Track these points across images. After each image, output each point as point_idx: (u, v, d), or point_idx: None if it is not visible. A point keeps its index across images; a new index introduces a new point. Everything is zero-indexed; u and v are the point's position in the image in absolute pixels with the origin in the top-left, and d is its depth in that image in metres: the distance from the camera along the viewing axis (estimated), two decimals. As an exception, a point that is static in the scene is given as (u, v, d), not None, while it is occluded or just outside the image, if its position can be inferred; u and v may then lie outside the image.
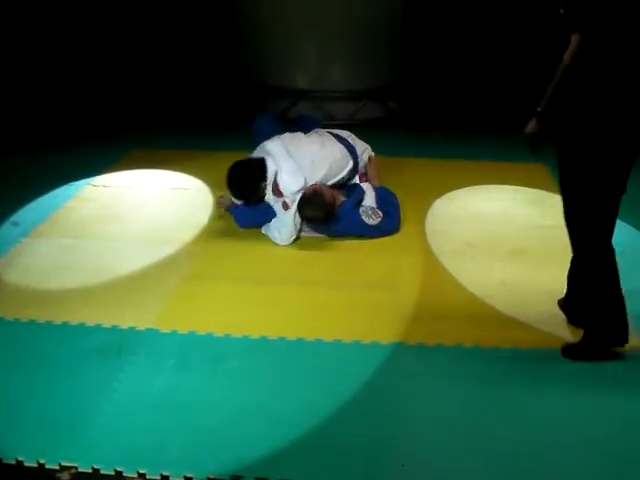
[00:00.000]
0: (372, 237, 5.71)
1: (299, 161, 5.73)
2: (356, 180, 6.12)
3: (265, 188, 5.75)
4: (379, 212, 5.78)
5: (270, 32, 8.80)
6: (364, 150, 6.22)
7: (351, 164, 6.02)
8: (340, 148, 5.98)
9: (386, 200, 5.96)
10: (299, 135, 6.13)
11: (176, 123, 8.84)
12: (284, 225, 5.62)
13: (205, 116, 8.98)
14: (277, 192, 5.70)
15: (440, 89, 8.98)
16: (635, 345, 4.19)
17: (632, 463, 3.44)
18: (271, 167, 5.73)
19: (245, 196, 5.83)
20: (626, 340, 4.12)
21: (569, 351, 4.22)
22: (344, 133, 6.28)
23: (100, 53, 9.11)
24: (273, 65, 8.95)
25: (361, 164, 6.15)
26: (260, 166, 5.77)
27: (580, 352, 4.20)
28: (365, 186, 6.04)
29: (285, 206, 5.64)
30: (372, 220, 5.72)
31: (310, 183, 5.70)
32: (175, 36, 9.37)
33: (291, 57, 8.90)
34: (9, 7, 8.20)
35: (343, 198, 5.84)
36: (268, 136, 6.07)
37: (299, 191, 5.65)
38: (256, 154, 5.98)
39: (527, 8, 8.45)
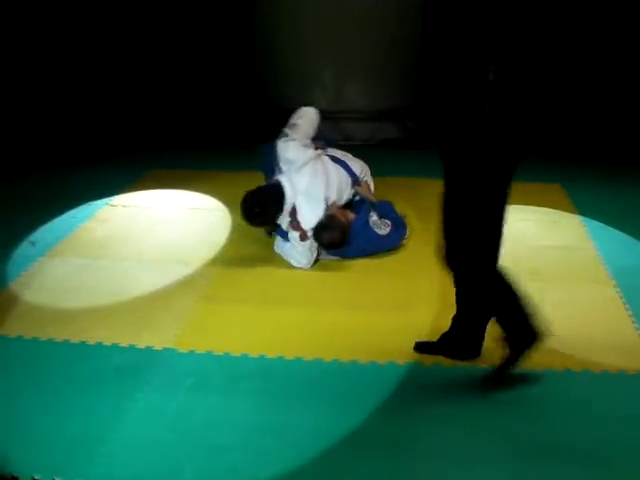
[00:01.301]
0: (386, 249, 5.75)
1: (325, 192, 5.66)
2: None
3: (278, 218, 5.68)
4: (386, 221, 5.82)
5: (287, 53, 8.83)
6: (362, 170, 6.14)
7: (350, 185, 5.97)
8: (342, 173, 5.91)
9: (384, 211, 5.97)
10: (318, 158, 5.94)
11: (194, 144, 8.88)
12: (302, 255, 5.60)
13: (223, 137, 9.02)
14: (297, 227, 5.60)
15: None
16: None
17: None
18: (289, 195, 5.61)
19: (259, 225, 5.80)
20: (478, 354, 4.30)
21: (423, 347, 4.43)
22: (338, 153, 6.16)
23: (119, 74, 9.17)
24: (290, 86, 8.96)
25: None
26: (277, 197, 5.62)
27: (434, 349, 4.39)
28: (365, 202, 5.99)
29: (303, 237, 5.60)
30: (383, 230, 5.74)
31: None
32: (193, 57, 9.43)
33: (309, 78, 8.91)
34: (29, 24, 8.28)
35: (352, 215, 5.83)
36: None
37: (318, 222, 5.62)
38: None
39: (540, 26, 8.45)
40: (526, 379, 4.17)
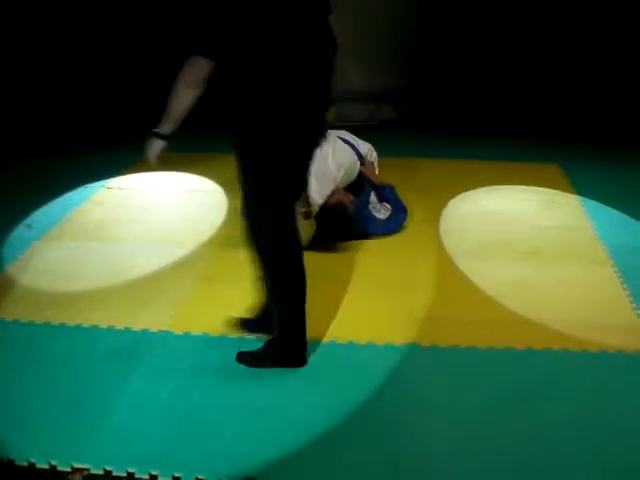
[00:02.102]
0: (385, 233, 5.71)
1: (334, 172, 5.58)
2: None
3: None
4: (387, 205, 5.81)
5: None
6: (368, 150, 6.13)
7: (358, 166, 5.98)
8: (351, 152, 5.91)
9: (387, 195, 5.95)
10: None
11: (191, 126, 8.82)
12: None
13: (220, 118, 8.97)
14: (304, 204, 5.54)
15: (455, 91, 8.96)
16: None
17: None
18: None
19: None
20: (304, 362, 4.14)
21: (244, 358, 4.20)
22: (342, 133, 6.11)
23: (116, 56, 9.13)
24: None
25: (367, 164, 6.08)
26: None
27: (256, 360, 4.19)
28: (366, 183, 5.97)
29: (308, 215, 5.54)
30: (382, 214, 5.72)
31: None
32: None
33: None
34: (25, 11, 8.23)
35: (352, 197, 5.79)
36: None
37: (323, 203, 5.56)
38: None
39: (542, 10, 8.42)
40: (524, 360, 4.17)
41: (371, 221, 5.69)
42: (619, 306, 4.73)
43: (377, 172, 6.19)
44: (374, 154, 6.20)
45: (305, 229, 5.49)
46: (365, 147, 6.10)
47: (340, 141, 5.88)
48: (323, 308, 4.71)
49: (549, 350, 4.24)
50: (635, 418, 3.71)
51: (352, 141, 6.03)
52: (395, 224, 5.78)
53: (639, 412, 3.76)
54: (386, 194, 5.97)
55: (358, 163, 5.91)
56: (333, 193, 5.51)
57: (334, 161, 5.58)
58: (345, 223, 5.56)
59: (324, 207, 5.50)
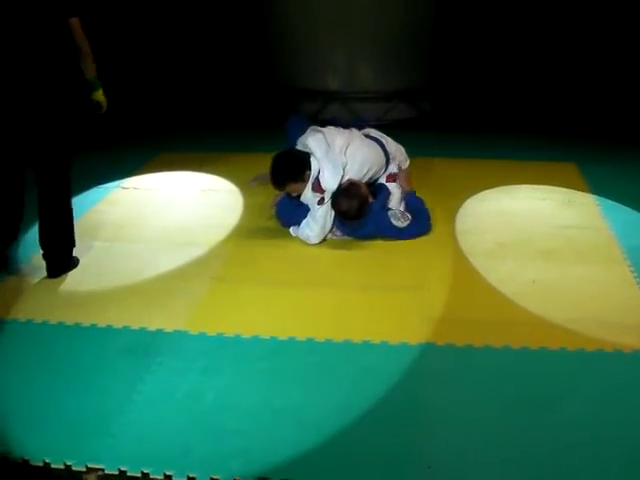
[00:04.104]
0: (400, 239, 5.68)
1: (342, 159, 5.67)
2: (382, 180, 6.04)
3: (307, 179, 5.69)
4: (408, 215, 5.73)
5: (299, 34, 8.82)
6: (396, 149, 6.16)
7: (384, 168, 6.01)
8: (379, 152, 5.95)
9: (415, 206, 5.90)
10: (344, 132, 5.99)
11: (205, 126, 8.87)
12: (315, 221, 5.58)
13: (234, 119, 9.00)
14: (318, 189, 5.64)
15: (472, 90, 8.95)
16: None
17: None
18: (314, 165, 5.68)
19: (287, 179, 5.76)
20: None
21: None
22: (372, 131, 6.22)
23: (131, 58, 9.15)
24: (303, 67, 8.96)
25: (392, 166, 6.08)
26: (306, 157, 5.73)
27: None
28: (392, 186, 5.96)
29: (322, 201, 5.61)
30: (401, 223, 5.68)
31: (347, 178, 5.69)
32: (204, 39, 9.40)
33: (321, 59, 8.90)
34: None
35: (371, 199, 5.80)
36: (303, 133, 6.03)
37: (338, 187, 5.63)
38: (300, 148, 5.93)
39: (556, 10, 8.41)
40: (539, 359, 4.15)
41: (386, 226, 5.66)
42: (635, 305, 4.70)
43: (408, 178, 6.24)
44: (403, 155, 6.25)
45: (318, 219, 5.53)
46: (393, 146, 6.14)
47: (358, 136, 5.98)
48: (337, 308, 4.72)
49: (564, 350, 4.21)
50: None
51: (380, 138, 6.09)
52: (412, 233, 5.71)
53: (656, 412, 3.75)
54: (412, 202, 5.95)
55: (383, 160, 5.94)
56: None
57: (345, 153, 5.70)
58: (358, 204, 5.56)
59: (338, 189, 5.59)
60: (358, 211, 5.56)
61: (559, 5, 8.50)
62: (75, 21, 4.92)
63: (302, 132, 6.02)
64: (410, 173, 6.33)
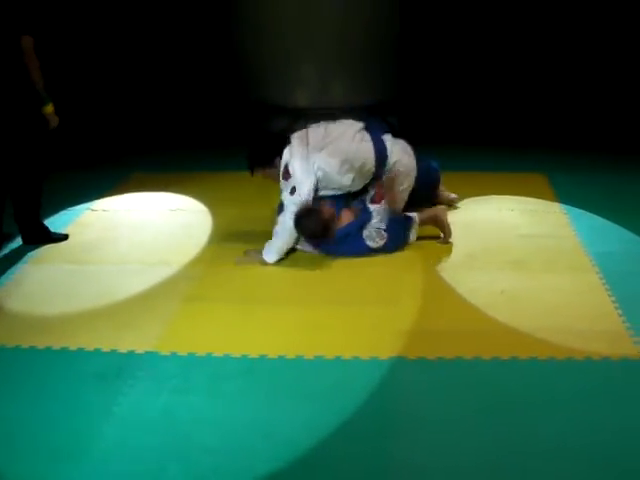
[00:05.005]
0: (355, 254, 5.68)
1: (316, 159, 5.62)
2: (367, 200, 5.87)
3: (277, 165, 5.70)
4: (383, 234, 5.69)
5: (268, 51, 8.83)
6: (400, 159, 5.94)
7: (372, 163, 5.81)
8: (363, 145, 5.81)
9: (391, 226, 5.78)
10: (334, 129, 5.95)
11: (175, 145, 8.88)
12: (287, 210, 5.58)
13: (204, 137, 9.01)
14: (286, 175, 5.62)
15: (439, 103, 9.00)
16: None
17: None
18: (285, 156, 5.67)
19: (257, 159, 5.83)
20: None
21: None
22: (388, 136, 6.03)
23: (97, 77, 9.16)
24: (272, 84, 8.97)
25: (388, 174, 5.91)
26: (282, 141, 5.75)
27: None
28: (376, 208, 5.80)
29: (294, 191, 5.58)
30: (376, 243, 5.66)
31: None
32: (173, 57, 9.42)
33: (290, 75, 8.92)
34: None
35: (352, 219, 5.75)
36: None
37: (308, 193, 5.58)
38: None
39: (526, 19, 8.48)
40: (510, 369, 4.17)
41: (361, 248, 5.66)
42: (604, 313, 4.74)
43: (401, 196, 6.05)
44: (406, 172, 6.01)
45: (291, 205, 5.53)
46: (399, 155, 5.95)
47: (359, 133, 5.92)
48: (308, 325, 4.73)
49: (535, 359, 4.24)
50: (621, 425, 3.72)
51: (384, 139, 5.95)
52: (387, 249, 5.70)
53: (625, 419, 3.77)
54: (393, 223, 5.81)
55: (373, 156, 5.80)
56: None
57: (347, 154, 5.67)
58: (322, 227, 5.52)
59: (298, 214, 5.55)
60: (323, 234, 5.56)
61: (523, 19, 8.58)
62: (27, 39, 4.96)
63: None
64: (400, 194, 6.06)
